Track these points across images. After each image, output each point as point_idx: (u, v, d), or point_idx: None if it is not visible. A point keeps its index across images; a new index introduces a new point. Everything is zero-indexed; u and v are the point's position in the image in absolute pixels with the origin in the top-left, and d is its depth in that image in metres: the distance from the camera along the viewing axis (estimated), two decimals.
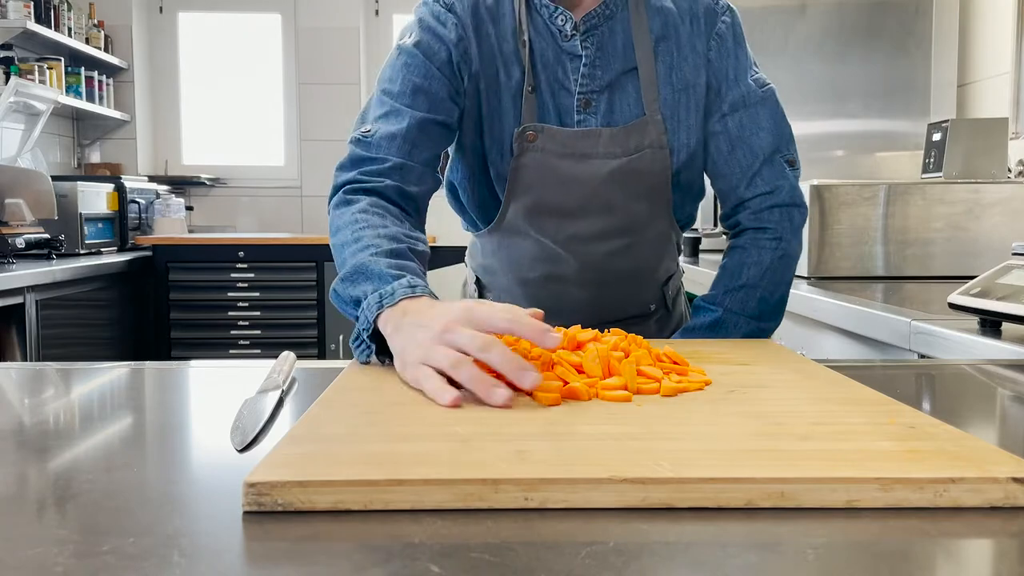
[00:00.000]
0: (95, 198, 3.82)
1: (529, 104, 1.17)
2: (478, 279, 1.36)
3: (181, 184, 4.76)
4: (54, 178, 3.52)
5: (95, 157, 4.80)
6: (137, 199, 4.17)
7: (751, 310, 1.20)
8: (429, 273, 1.01)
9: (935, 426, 0.62)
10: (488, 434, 0.60)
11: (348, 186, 1.10)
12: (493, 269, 1.32)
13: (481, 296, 1.36)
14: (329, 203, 1.12)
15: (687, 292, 1.49)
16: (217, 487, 0.56)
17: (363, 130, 1.14)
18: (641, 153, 1.18)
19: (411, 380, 0.76)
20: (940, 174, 2.31)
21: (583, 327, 0.88)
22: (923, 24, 2.96)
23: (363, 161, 1.11)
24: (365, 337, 0.88)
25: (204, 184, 4.82)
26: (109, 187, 3.98)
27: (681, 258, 1.42)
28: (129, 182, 4.15)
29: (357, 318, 0.89)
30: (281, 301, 4.15)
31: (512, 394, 0.69)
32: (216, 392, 0.91)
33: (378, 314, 0.85)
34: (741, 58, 1.23)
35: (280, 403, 0.76)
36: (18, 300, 2.91)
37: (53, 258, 3.40)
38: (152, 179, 4.57)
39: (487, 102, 1.19)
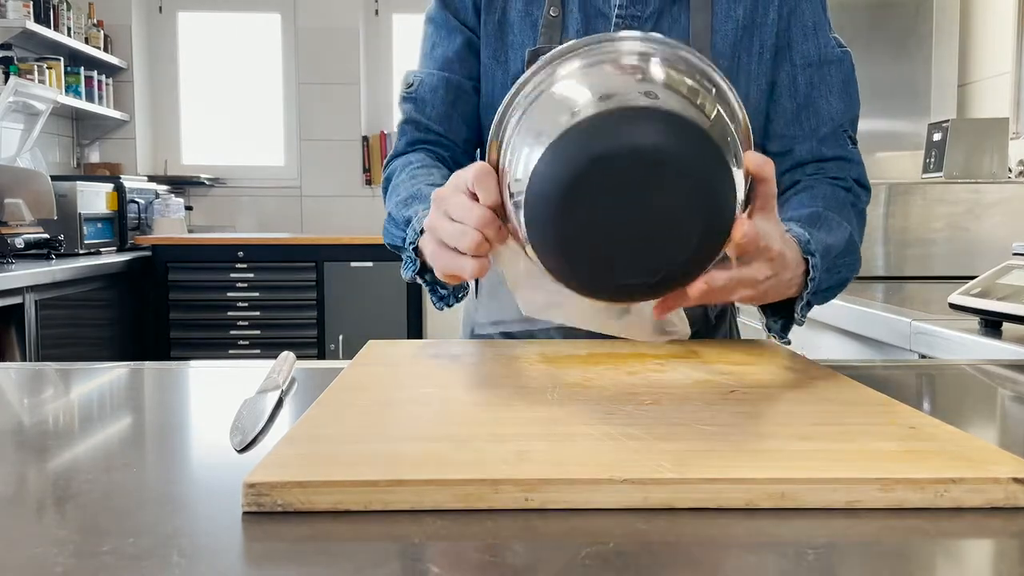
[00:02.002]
0: (94, 198, 3.82)
1: (550, 30, 1.02)
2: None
3: (180, 184, 4.76)
4: (53, 178, 3.52)
5: (94, 157, 4.80)
6: (136, 199, 4.17)
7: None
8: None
9: (936, 426, 0.62)
10: (488, 435, 0.60)
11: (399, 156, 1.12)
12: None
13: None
14: (386, 166, 1.13)
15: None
16: (217, 487, 0.56)
17: (405, 94, 1.11)
18: None
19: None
20: (940, 174, 2.31)
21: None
22: (923, 24, 2.96)
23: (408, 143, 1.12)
24: (411, 249, 0.90)
25: (204, 184, 4.82)
26: (108, 187, 3.97)
27: None
28: (128, 182, 4.15)
29: (404, 239, 0.93)
30: (281, 301, 4.15)
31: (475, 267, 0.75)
32: (216, 392, 0.91)
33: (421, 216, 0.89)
34: (823, 7, 1.05)
35: (280, 403, 0.76)
36: (17, 300, 2.91)
37: (52, 258, 3.40)
38: (151, 179, 4.57)
39: (497, 39, 1.05)
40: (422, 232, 0.86)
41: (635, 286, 0.71)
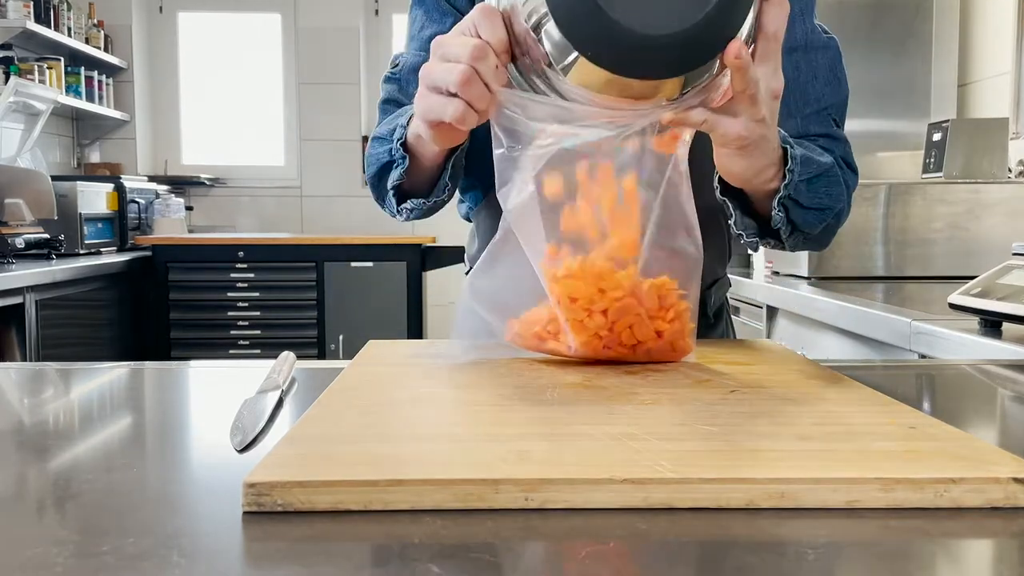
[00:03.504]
0: (95, 198, 3.82)
1: None
2: None
3: (181, 184, 4.76)
4: (54, 178, 3.52)
5: (95, 157, 4.80)
6: (137, 199, 4.17)
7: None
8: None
9: (935, 426, 0.62)
10: (488, 434, 0.60)
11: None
12: None
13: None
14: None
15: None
16: (217, 487, 0.56)
17: (388, 74, 1.09)
18: None
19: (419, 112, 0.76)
20: (940, 174, 2.31)
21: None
22: (923, 24, 2.96)
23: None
24: (398, 144, 0.87)
25: (204, 184, 4.82)
26: (109, 187, 3.97)
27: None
28: (129, 182, 4.15)
29: (391, 152, 0.89)
30: (281, 301, 4.15)
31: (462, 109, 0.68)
32: (216, 392, 0.91)
33: (410, 118, 0.83)
34: None
35: (280, 403, 0.76)
36: (18, 300, 2.91)
37: (53, 258, 3.40)
38: (152, 179, 4.57)
39: None
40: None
41: (664, 41, 0.67)
